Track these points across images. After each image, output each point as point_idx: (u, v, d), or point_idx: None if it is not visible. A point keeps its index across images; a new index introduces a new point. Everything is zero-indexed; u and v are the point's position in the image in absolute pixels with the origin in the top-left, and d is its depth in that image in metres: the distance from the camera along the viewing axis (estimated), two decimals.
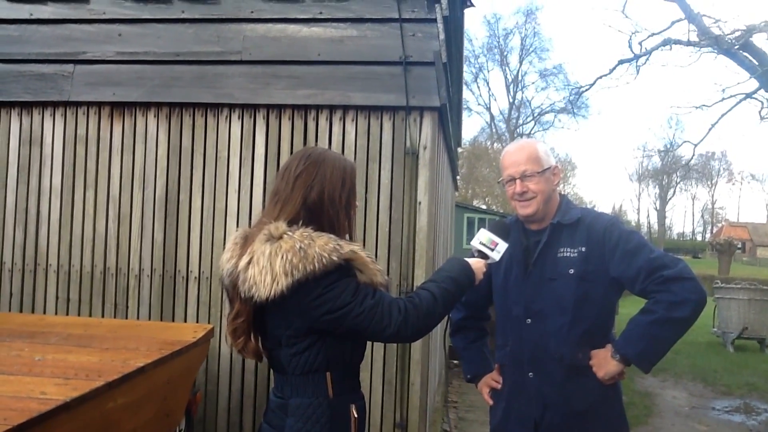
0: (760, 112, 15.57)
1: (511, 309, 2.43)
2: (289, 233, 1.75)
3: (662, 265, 2.20)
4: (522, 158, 2.37)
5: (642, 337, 2.20)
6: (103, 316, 4.01)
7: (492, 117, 48.12)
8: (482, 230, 2.16)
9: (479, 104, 47.86)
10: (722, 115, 16.48)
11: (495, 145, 46.25)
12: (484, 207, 33.38)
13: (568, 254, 2.32)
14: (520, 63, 46.87)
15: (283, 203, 1.86)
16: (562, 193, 2.51)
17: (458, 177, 10.31)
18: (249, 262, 1.76)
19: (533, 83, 58.27)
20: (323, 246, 1.73)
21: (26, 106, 4.19)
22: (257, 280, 1.72)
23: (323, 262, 1.71)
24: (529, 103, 48.14)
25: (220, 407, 3.91)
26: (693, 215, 74.98)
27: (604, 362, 2.26)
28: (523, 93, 48.07)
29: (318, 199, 1.87)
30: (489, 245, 2.11)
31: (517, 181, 2.36)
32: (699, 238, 70.10)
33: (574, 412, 2.31)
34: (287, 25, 3.94)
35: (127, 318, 3.98)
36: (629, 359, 2.23)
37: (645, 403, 7.14)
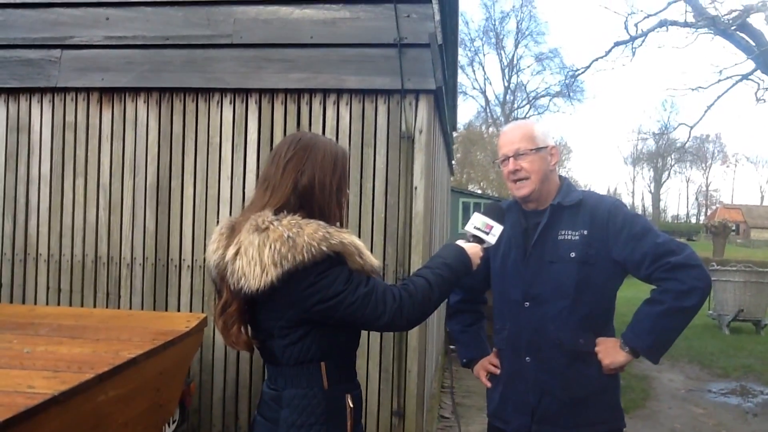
0: (756, 93, 15.50)
1: (510, 292, 2.38)
2: (276, 222, 1.70)
3: (669, 251, 2.15)
4: (516, 137, 2.32)
5: (652, 330, 2.16)
6: (94, 306, 3.96)
7: (487, 101, 47.98)
8: (476, 214, 2.09)
9: (474, 88, 47.58)
10: (718, 97, 16.58)
11: (490, 129, 46.11)
12: (479, 191, 33.34)
13: (569, 237, 2.27)
14: (516, 47, 46.67)
15: (273, 189, 1.81)
16: (562, 175, 2.45)
17: (453, 161, 10.25)
18: (236, 253, 1.71)
19: (529, 67, 58.00)
20: (312, 234, 1.68)
21: (13, 93, 4.10)
22: (246, 271, 1.67)
23: (312, 252, 1.66)
24: (525, 87, 48.00)
25: (215, 397, 3.87)
26: (687, 198, 75.22)
27: (612, 351, 2.22)
28: (518, 77, 48.15)
29: (309, 184, 1.81)
30: (484, 229, 2.05)
31: (511, 160, 2.31)
32: (693, 220, 70.22)
33: (572, 399, 2.27)
34: (279, 6, 3.86)
35: (119, 308, 3.94)
36: (639, 352, 2.19)
37: (642, 387, 7.14)
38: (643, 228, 2.22)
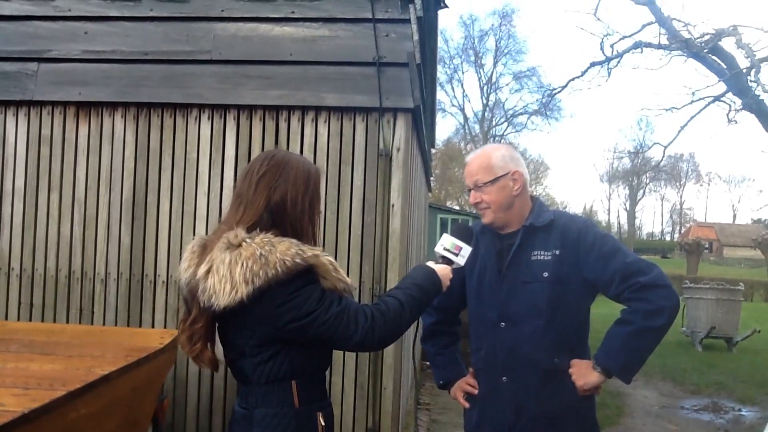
0: (727, 114, 15.73)
1: (485, 313, 2.40)
2: (248, 240, 1.71)
3: (638, 270, 2.19)
4: (474, 168, 2.37)
5: (622, 349, 2.20)
6: (67, 321, 3.91)
7: (466, 118, 48.28)
8: (445, 235, 2.11)
9: (453, 105, 47.84)
10: (691, 118, 16.63)
11: (469, 146, 46.39)
12: (457, 207, 33.46)
13: (542, 257, 2.30)
14: (495, 65, 47.11)
15: (246, 206, 1.82)
16: (534, 195, 2.48)
17: (432, 178, 10.31)
18: (208, 271, 1.71)
19: (507, 85, 58.36)
20: (285, 251, 1.69)
21: None
22: (217, 289, 1.68)
23: (286, 264, 1.67)
24: (503, 105, 48.40)
25: (189, 412, 3.84)
26: (662, 216, 76.14)
27: (586, 372, 2.25)
28: (497, 95, 48.37)
29: (281, 201, 1.82)
30: (453, 250, 2.07)
31: (472, 192, 2.37)
32: (668, 238, 71.03)
33: (548, 417, 2.29)
34: (258, 24, 3.88)
35: (92, 324, 3.89)
36: (611, 372, 2.22)
37: (616, 403, 7.19)
38: (613, 247, 2.26)
